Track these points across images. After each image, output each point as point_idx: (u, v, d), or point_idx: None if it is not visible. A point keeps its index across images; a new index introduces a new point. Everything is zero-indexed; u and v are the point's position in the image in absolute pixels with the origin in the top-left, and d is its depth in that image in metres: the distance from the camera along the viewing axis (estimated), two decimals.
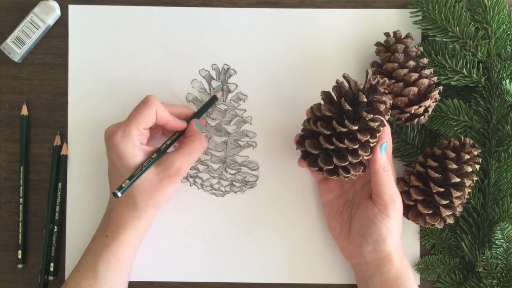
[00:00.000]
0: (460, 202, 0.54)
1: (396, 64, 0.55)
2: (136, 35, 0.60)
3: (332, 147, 0.50)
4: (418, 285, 0.59)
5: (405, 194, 0.55)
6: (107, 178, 0.55)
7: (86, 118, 0.60)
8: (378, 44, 0.57)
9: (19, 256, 0.59)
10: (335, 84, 0.51)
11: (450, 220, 0.55)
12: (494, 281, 0.56)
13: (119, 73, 0.60)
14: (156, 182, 0.51)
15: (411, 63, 0.55)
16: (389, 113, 0.51)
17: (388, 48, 0.56)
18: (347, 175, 0.51)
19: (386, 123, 0.51)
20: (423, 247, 0.59)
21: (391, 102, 0.51)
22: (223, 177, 0.60)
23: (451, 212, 0.54)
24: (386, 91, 0.51)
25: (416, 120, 0.55)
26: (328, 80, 0.57)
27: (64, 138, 0.60)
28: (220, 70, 0.60)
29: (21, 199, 0.59)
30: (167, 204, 0.55)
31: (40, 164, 0.60)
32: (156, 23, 0.60)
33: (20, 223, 0.59)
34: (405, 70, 0.54)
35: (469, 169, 0.53)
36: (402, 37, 0.56)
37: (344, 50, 0.60)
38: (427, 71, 0.55)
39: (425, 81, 0.54)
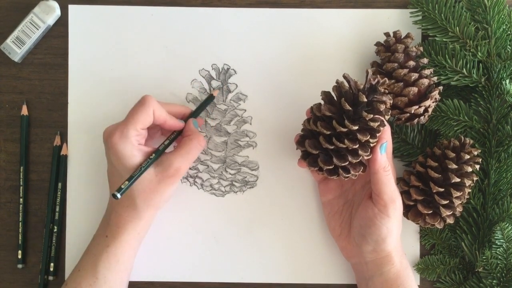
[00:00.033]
0: (460, 202, 0.54)
1: (396, 64, 0.55)
2: (136, 35, 0.60)
3: (332, 147, 0.50)
4: (418, 285, 0.59)
5: (405, 194, 0.55)
6: (107, 178, 0.55)
7: (86, 118, 0.60)
8: (378, 44, 0.57)
9: (19, 256, 0.59)
10: (335, 84, 0.51)
11: (450, 220, 0.55)
12: (494, 281, 0.56)
13: (119, 73, 0.60)
14: (155, 182, 0.51)
15: (411, 63, 0.55)
16: (389, 113, 0.51)
17: (388, 48, 0.56)
18: (347, 175, 0.51)
19: (386, 123, 0.51)
20: (423, 247, 0.59)
21: (391, 102, 0.51)
22: (223, 177, 0.60)
23: (451, 212, 0.54)
24: (386, 91, 0.51)
25: (416, 120, 0.55)
26: (328, 80, 0.57)
27: (64, 138, 0.60)
28: (220, 70, 0.60)
29: (21, 199, 0.59)
30: (166, 204, 0.55)
31: (40, 164, 0.60)
32: (156, 23, 0.60)
33: (20, 223, 0.59)
34: (405, 70, 0.54)
35: (469, 169, 0.53)
36: (402, 37, 0.56)
37: (344, 50, 0.60)
38: (427, 71, 0.55)
39: (425, 81, 0.54)
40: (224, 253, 0.59)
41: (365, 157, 0.51)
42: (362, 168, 0.52)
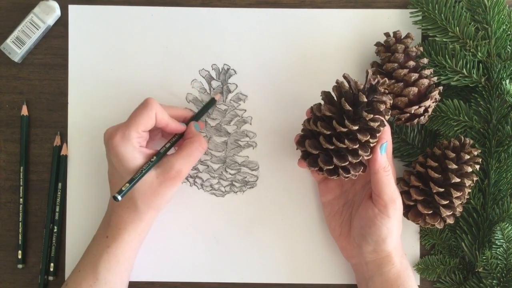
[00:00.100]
0: (460, 202, 0.54)
1: (396, 64, 0.55)
2: (136, 35, 0.60)
3: (332, 147, 0.50)
4: (418, 285, 0.59)
5: (405, 194, 0.55)
6: (107, 178, 0.55)
7: (86, 118, 0.60)
8: (378, 44, 0.57)
9: (19, 256, 0.59)
10: (335, 84, 0.51)
11: (450, 220, 0.55)
12: (494, 281, 0.56)
13: (119, 73, 0.60)
14: (156, 184, 0.51)
15: (411, 63, 0.55)
16: (389, 113, 0.51)
17: (388, 48, 0.56)
18: (347, 175, 0.51)
19: (386, 123, 0.51)
20: (423, 247, 0.59)
21: (391, 102, 0.51)
22: (223, 177, 0.60)
23: (451, 212, 0.54)
24: (386, 91, 0.51)
25: (416, 120, 0.55)
26: (328, 80, 0.57)
27: (64, 138, 0.60)
28: (220, 70, 0.60)
29: (21, 199, 0.59)
30: (167, 205, 0.55)
31: (40, 164, 0.60)
32: (156, 23, 0.60)
33: (20, 223, 0.59)
34: (405, 70, 0.54)
35: (469, 169, 0.53)
36: (402, 37, 0.56)
37: (344, 50, 0.60)
38: (427, 71, 0.55)
39: (425, 81, 0.54)
40: (224, 253, 0.59)
41: (365, 157, 0.51)
42: (362, 168, 0.52)
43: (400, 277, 0.53)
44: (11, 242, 0.60)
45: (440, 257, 0.58)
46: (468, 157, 0.53)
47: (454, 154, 0.53)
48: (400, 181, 0.57)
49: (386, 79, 0.50)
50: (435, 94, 0.55)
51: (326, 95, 0.52)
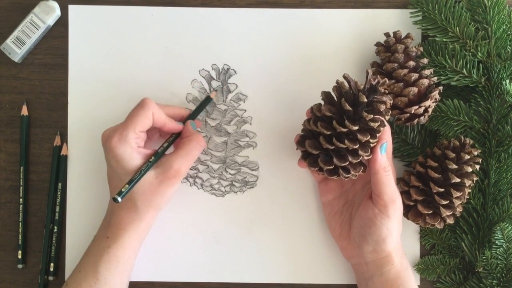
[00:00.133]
0: (460, 202, 0.54)
1: (396, 64, 0.55)
2: (136, 35, 0.60)
3: (332, 147, 0.50)
4: (418, 285, 0.59)
5: (405, 194, 0.55)
6: (107, 178, 0.54)
7: (86, 118, 0.60)
8: (378, 44, 0.57)
9: (19, 256, 0.59)
10: (335, 84, 0.51)
11: (450, 220, 0.55)
12: (494, 281, 0.56)
13: (119, 73, 0.60)
14: (156, 184, 0.51)
15: (411, 63, 0.55)
16: (389, 113, 0.51)
17: (388, 48, 0.56)
18: (347, 175, 0.51)
19: (386, 123, 0.51)
20: (423, 247, 0.59)
21: (391, 102, 0.51)
22: (223, 177, 0.60)
23: (451, 212, 0.54)
24: (386, 91, 0.51)
25: (416, 120, 0.55)
26: (328, 80, 0.57)
27: (64, 138, 0.60)
28: (220, 70, 0.60)
29: (21, 199, 0.59)
30: (167, 204, 0.55)
31: (40, 164, 0.60)
32: (156, 23, 0.60)
33: (20, 223, 0.59)
34: (405, 70, 0.54)
35: (469, 169, 0.53)
36: (402, 37, 0.56)
37: (344, 50, 0.60)
38: (427, 71, 0.55)
39: (425, 81, 0.54)
40: (224, 253, 0.59)
41: (365, 157, 0.51)
42: (362, 168, 0.52)
43: (400, 277, 0.53)
44: (11, 242, 0.60)
45: (440, 257, 0.58)
46: (468, 157, 0.53)
47: (454, 154, 0.53)
48: (400, 181, 0.57)
49: (386, 79, 0.50)
50: (435, 94, 0.55)
51: (326, 95, 0.52)
